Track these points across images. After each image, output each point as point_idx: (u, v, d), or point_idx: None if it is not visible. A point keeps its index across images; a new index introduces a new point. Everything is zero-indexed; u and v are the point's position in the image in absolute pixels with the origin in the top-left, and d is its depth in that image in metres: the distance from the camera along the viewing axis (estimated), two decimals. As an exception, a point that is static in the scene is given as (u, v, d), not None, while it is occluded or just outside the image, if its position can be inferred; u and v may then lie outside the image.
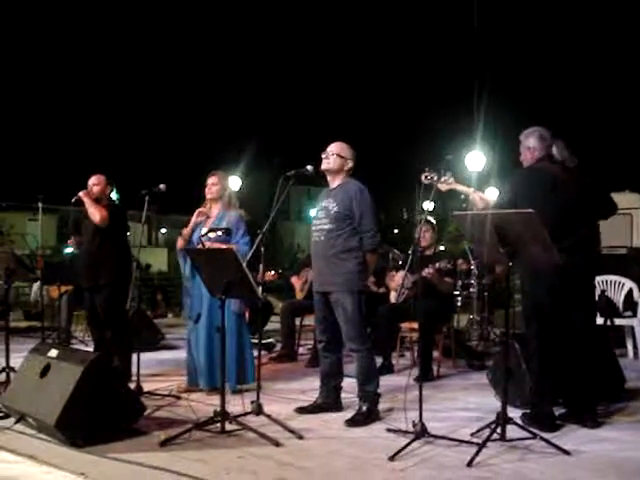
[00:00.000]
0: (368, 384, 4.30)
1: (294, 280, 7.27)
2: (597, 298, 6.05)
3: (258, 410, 4.14)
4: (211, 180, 5.28)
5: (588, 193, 4.13)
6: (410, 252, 5.72)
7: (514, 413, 3.97)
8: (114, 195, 5.65)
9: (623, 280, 6.75)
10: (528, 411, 4.12)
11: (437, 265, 5.89)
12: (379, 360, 5.77)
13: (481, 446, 3.47)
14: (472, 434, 3.83)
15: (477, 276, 7.82)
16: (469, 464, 3.34)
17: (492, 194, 5.34)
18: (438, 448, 3.64)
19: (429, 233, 6.22)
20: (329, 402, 4.51)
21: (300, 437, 3.87)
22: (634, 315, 6.54)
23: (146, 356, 5.79)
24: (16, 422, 4.06)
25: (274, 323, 7.91)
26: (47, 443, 3.79)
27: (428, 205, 4.57)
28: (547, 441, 3.59)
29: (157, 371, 6.02)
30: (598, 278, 6.31)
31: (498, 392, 4.64)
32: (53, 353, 4.10)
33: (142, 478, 3.28)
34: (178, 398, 4.84)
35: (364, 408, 4.25)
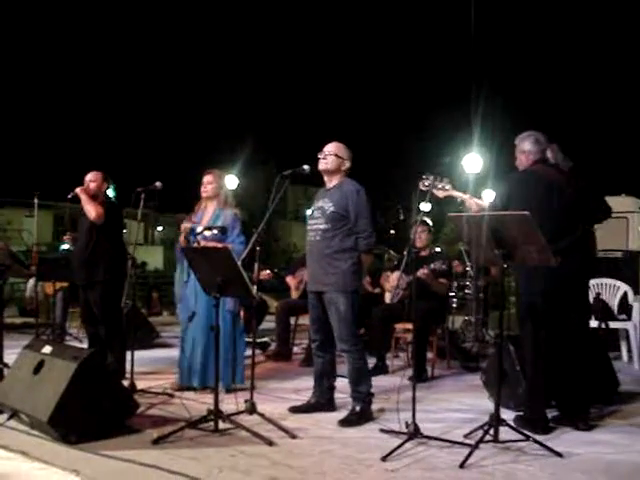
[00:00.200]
0: (360, 384, 4.30)
1: (289, 279, 7.27)
2: (592, 301, 6.07)
3: (251, 409, 4.14)
4: (207, 179, 5.27)
5: (583, 196, 4.14)
6: (405, 252, 5.72)
7: (507, 415, 3.99)
8: (111, 192, 5.63)
9: (618, 283, 6.77)
10: (521, 413, 4.14)
11: (432, 266, 5.90)
12: (373, 361, 5.79)
13: (474, 447, 3.47)
14: (465, 435, 3.84)
15: (473, 278, 7.84)
16: (462, 465, 3.35)
17: (489, 196, 5.35)
18: (431, 449, 3.65)
19: (425, 234, 6.23)
20: (322, 402, 4.50)
21: (293, 436, 3.87)
22: (628, 318, 6.55)
23: (140, 354, 5.77)
24: (9, 418, 4.05)
25: (269, 322, 7.91)
26: (40, 439, 3.78)
27: (424, 207, 4.57)
28: (540, 443, 3.61)
29: (151, 369, 6.01)
30: (593, 281, 6.33)
31: (492, 394, 4.65)
32: (47, 349, 4.10)
33: (134, 475, 3.27)
34: (171, 396, 4.84)
35: (357, 408, 4.26)
